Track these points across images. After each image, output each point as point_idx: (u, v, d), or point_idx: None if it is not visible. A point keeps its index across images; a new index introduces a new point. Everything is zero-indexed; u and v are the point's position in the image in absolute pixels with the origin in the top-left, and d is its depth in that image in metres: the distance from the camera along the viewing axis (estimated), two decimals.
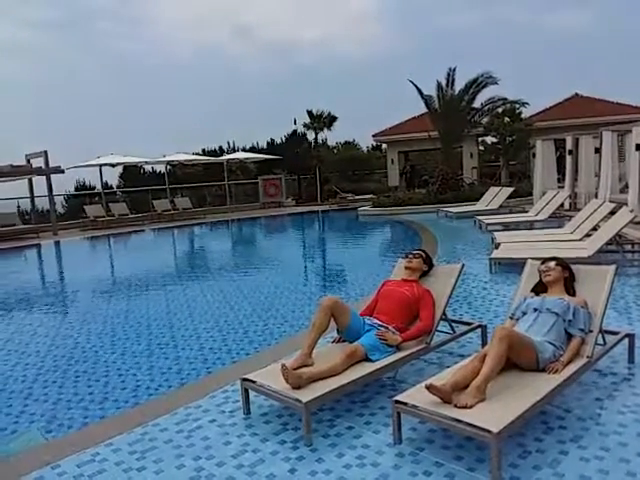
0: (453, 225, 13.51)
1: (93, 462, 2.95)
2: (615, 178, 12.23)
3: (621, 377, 3.62)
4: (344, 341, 3.83)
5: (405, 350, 3.69)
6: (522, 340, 3.14)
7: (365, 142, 38.59)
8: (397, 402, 2.90)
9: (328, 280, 8.76)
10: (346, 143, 37.74)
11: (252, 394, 3.42)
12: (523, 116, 21.13)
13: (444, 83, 18.48)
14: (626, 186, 11.92)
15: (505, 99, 19.79)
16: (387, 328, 3.76)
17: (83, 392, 4.18)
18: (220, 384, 3.93)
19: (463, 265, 4.33)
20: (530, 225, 11.24)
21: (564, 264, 3.85)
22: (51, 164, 17.79)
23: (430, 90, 18.61)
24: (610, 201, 9.17)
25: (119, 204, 21.01)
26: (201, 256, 13.13)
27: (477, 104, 19.15)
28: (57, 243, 16.23)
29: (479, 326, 4.37)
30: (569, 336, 3.41)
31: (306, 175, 25.27)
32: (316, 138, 25.34)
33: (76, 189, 28.10)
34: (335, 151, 33.87)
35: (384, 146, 28.00)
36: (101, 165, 21.19)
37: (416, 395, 2.91)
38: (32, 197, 19.42)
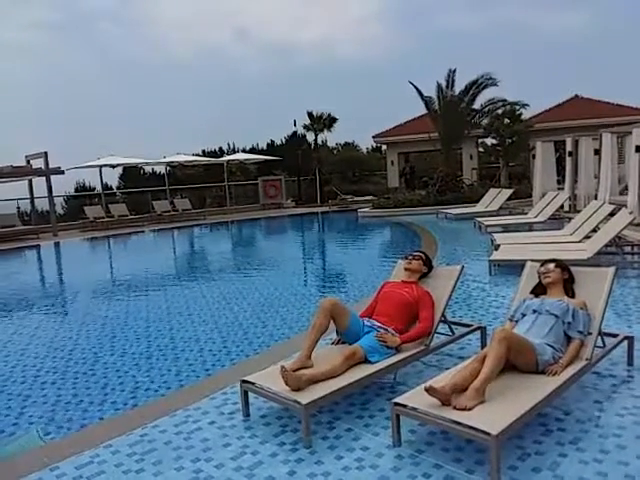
0: (453, 226, 13.52)
1: (92, 464, 2.95)
2: (615, 180, 12.23)
3: (620, 379, 3.62)
4: (343, 343, 3.83)
5: (404, 352, 3.69)
6: (521, 342, 3.14)
7: (365, 143, 38.71)
8: (396, 404, 2.90)
9: (328, 282, 8.76)
10: (346, 144, 37.81)
11: (251, 396, 3.42)
12: (523, 117, 21.14)
13: (444, 84, 18.52)
14: (626, 188, 11.93)
15: (505, 100, 19.83)
16: (386, 330, 3.76)
17: (82, 394, 4.18)
18: (219, 386, 3.93)
19: (463, 267, 4.33)
20: (530, 227, 11.26)
21: (563, 266, 3.85)
22: (51, 165, 17.79)
23: (430, 91, 18.68)
24: (610, 203, 9.17)
25: (119, 205, 21.01)
26: (201, 257, 13.13)
27: (477, 105, 19.21)
28: (57, 244, 16.22)
29: (478, 328, 4.37)
30: (568, 338, 3.41)
31: (306, 176, 25.28)
32: (316, 139, 25.38)
33: (76, 190, 28.12)
34: (335, 152, 33.92)
35: (384, 147, 28.00)
36: (101, 166, 21.20)
37: (415, 397, 2.91)
38: (32, 198, 19.42)
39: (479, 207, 15.00)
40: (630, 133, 10.99)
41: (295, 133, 26.84)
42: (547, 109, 24.09)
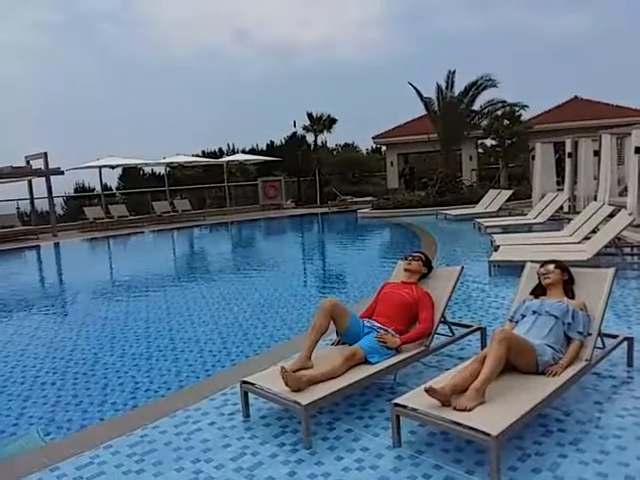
0: (452, 227, 13.52)
1: (92, 464, 2.95)
2: (614, 181, 12.25)
3: (620, 380, 3.63)
4: (343, 343, 3.83)
5: (404, 353, 3.69)
6: (521, 343, 3.14)
7: (365, 144, 38.74)
8: (396, 405, 2.90)
9: (327, 282, 8.76)
10: (346, 145, 37.87)
11: (251, 397, 3.42)
12: (522, 119, 21.17)
13: (444, 86, 18.53)
14: (625, 189, 11.94)
15: (504, 102, 19.85)
16: (386, 331, 3.76)
17: (82, 394, 4.18)
18: (219, 387, 3.93)
19: (462, 268, 4.34)
20: (529, 228, 11.26)
21: (563, 267, 3.86)
22: (51, 166, 17.81)
23: (430, 93, 18.69)
24: (609, 204, 9.18)
25: (118, 206, 21.01)
26: (200, 258, 13.13)
27: (476, 107, 19.22)
28: (56, 244, 16.22)
29: (478, 329, 4.37)
30: (568, 339, 3.42)
31: (306, 177, 25.30)
32: (316, 140, 25.38)
33: (76, 191, 28.09)
34: (335, 153, 33.94)
35: (383, 148, 28.02)
36: (101, 167, 21.20)
37: (415, 398, 2.91)
38: (32, 198, 19.43)
39: (478, 208, 15.00)
40: (629, 134, 11.00)
41: (295, 134, 26.86)
42: (546, 110, 24.12)
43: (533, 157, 16.80)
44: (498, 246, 8.11)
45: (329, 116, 24.60)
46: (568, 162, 14.63)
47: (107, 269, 12.15)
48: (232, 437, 3.16)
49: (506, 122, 20.77)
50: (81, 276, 10.59)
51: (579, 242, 7.89)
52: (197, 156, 26.84)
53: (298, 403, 2.97)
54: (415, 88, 18.43)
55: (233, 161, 25.16)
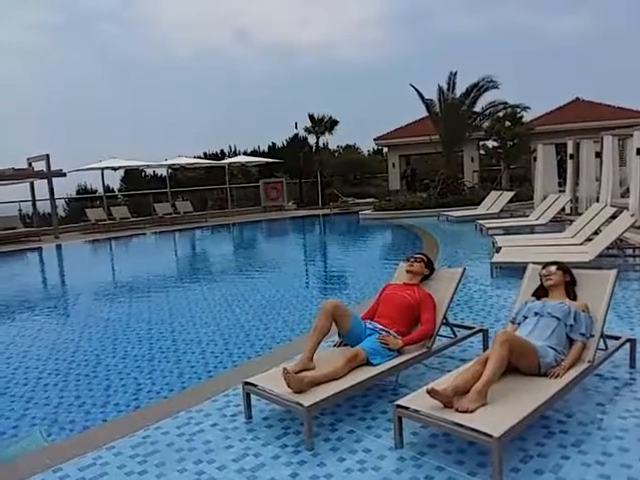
0: (454, 229, 13.52)
1: (95, 465, 2.96)
2: (616, 182, 12.24)
3: (622, 382, 3.62)
4: (345, 345, 3.83)
5: (406, 354, 3.69)
6: (523, 344, 3.14)
7: (366, 146, 38.72)
8: (398, 406, 2.91)
9: (329, 284, 8.76)
10: (347, 147, 37.86)
11: (254, 398, 3.42)
12: (524, 120, 21.16)
13: (445, 87, 18.53)
14: (627, 190, 11.94)
15: (506, 103, 19.83)
16: (388, 332, 3.76)
17: (84, 395, 4.19)
18: (222, 388, 3.94)
19: (464, 269, 4.33)
20: (531, 229, 11.25)
21: (565, 268, 3.86)
22: (53, 167, 17.83)
23: (431, 94, 18.69)
24: (611, 205, 9.18)
25: (120, 207, 21.04)
26: (202, 260, 13.14)
27: (478, 108, 19.21)
28: (58, 246, 16.24)
29: (480, 330, 4.37)
30: (570, 341, 3.42)
31: (307, 179, 25.31)
32: (317, 142, 25.41)
33: (77, 192, 28.11)
34: (336, 155, 33.96)
35: (385, 150, 28.04)
36: (103, 169, 21.22)
37: (417, 399, 2.91)
38: (34, 200, 19.46)
39: (480, 210, 15.00)
40: (631, 136, 11.00)
41: (296, 135, 26.87)
42: (548, 112, 24.10)
43: (535, 159, 16.81)
44: (500, 247, 8.11)
45: (330, 117, 24.64)
46: (570, 163, 14.63)
47: (109, 271, 12.17)
48: (234, 438, 3.17)
49: (508, 123, 20.75)
50: (83, 278, 10.61)
51: (581, 244, 7.89)
52: (199, 158, 26.88)
53: (300, 404, 2.98)
54: (416, 90, 18.45)
55: (235, 163, 25.18)
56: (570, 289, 3.78)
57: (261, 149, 33.96)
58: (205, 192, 25.05)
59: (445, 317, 4.11)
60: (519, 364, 3.14)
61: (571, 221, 10.21)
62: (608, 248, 7.01)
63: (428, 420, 2.80)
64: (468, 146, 22.40)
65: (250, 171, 26.51)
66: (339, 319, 3.68)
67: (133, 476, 2.83)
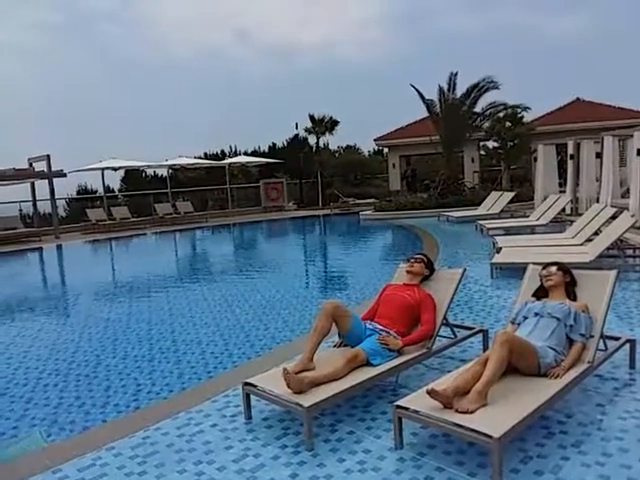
0: (454, 229, 13.52)
1: (94, 466, 2.96)
2: (616, 183, 12.25)
3: (622, 383, 3.62)
4: (345, 345, 3.83)
5: (406, 355, 3.69)
6: (523, 345, 3.14)
7: (367, 146, 38.70)
8: (398, 407, 2.91)
9: (330, 284, 8.76)
10: (348, 147, 37.86)
11: (253, 398, 3.42)
12: (524, 120, 21.16)
13: (446, 88, 18.53)
14: (627, 191, 11.94)
15: (506, 104, 19.83)
16: (388, 333, 3.76)
17: (84, 396, 4.19)
18: (221, 388, 3.94)
19: (465, 270, 4.33)
20: (531, 230, 11.25)
21: (565, 269, 3.85)
22: (53, 168, 17.85)
23: (432, 94, 18.69)
24: (611, 206, 9.17)
25: (121, 208, 21.06)
26: (202, 260, 13.14)
27: (478, 108, 19.21)
28: (59, 246, 16.25)
29: (480, 331, 4.37)
30: (570, 341, 3.41)
31: (308, 179, 25.31)
32: (318, 142, 25.43)
33: (78, 193, 28.12)
34: (337, 155, 33.96)
35: (385, 150, 28.05)
36: (103, 169, 21.24)
37: (417, 400, 2.91)
38: (34, 201, 19.48)
39: (481, 210, 15.00)
40: (632, 136, 11.00)
41: (297, 136, 26.88)
42: (549, 112, 24.10)
43: (535, 159, 16.81)
44: (500, 248, 8.10)
45: (331, 118, 24.66)
46: (570, 164, 14.63)
47: (109, 271, 12.17)
48: (234, 439, 3.17)
49: (508, 124, 20.75)
50: (83, 278, 10.61)
51: (581, 244, 7.89)
52: (199, 158, 26.90)
53: (300, 405, 2.98)
54: (417, 90, 18.45)
55: (235, 163, 25.20)
56: (570, 290, 3.78)
57: (261, 149, 33.98)
58: (205, 192, 25.06)
59: (445, 317, 4.10)
60: (519, 364, 3.14)
61: (571, 222, 10.21)
62: (608, 249, 7.00)
63: (428, 421, 2.80)
64: (468, 146, 22.41)
65: (250, 171, 26.53)
66: (339, 320, 3.68)
67: (133, 477, 2.83)
